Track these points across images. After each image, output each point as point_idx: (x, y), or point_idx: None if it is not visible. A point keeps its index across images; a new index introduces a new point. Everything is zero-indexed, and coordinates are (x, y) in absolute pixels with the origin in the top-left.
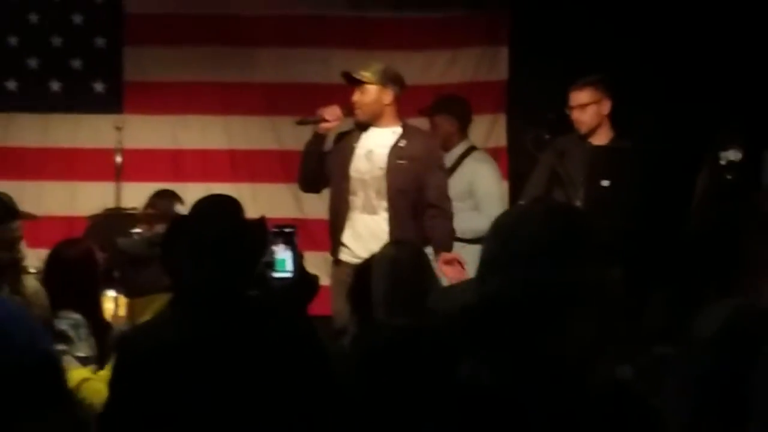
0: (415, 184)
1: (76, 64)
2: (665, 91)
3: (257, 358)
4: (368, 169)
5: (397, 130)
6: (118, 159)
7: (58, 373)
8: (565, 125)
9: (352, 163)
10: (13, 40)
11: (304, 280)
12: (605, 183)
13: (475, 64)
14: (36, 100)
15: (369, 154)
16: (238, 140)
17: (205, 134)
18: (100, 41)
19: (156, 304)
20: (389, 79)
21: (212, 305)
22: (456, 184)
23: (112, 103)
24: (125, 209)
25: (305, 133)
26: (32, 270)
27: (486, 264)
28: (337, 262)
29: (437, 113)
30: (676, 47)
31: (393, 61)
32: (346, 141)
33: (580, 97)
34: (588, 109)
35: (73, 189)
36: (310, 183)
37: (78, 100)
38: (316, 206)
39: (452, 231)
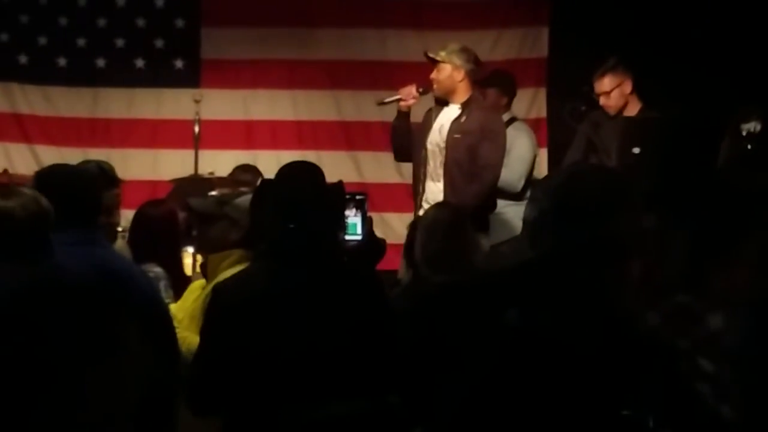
0: (468, 155)
1: (159, 43)
2: (693, 66)
3: (335, 306)
4: (437, 141)
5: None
6: (196, 129)
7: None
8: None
9: (429, 136)
10: (101, 22)
11: (372, 242)
12: (636, 150)
13: (519, 42)
14: (122, 76)
15: (441, 128)
16: (303, 112)
17: (274, 107)
18: (180, 22)
19: (229, 259)
20: (462, 58)
21: (297, 259)
22: None
23: (190, 78)
24: (203, 175)
25: (365, 106)
26: (119, 229)
27: (537, 222)
28: None
29: (487, 86)
30: (703, 26)
31: (444, 40)
32: (428, 116)
33: (603, 84)
34: (612, 94)
35: (156, 156)
36: (401, 154)
37: (160, 76)
38: (374, 172)
39: (476, 193)
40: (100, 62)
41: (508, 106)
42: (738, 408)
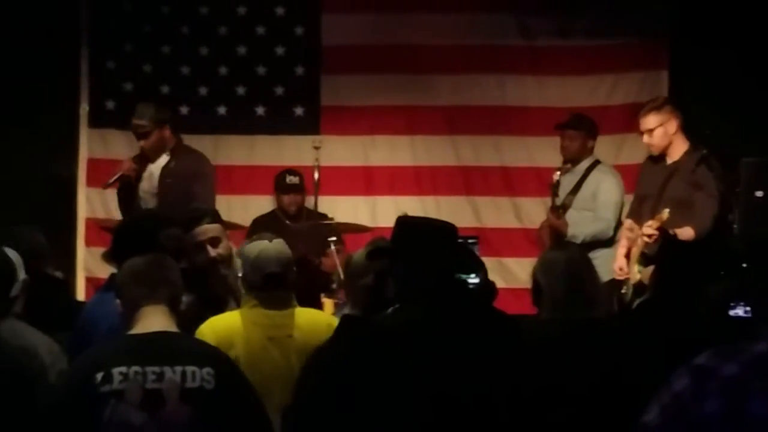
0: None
1: (279, 90)
2: None
3: (475, 344)
4: None
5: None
6: (316, 175)
7: None
8: (724, 139)
9: None
10: (223, 70)
11: (487, 284)
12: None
13: (638, 86)
14: (243, 123)
15: None
16: (422, 158)
17: (393, 152)
18: (299, 70)
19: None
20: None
21: (438, 302)
22: (583, 194)
23: (310, 125)
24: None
25: (483, 151)
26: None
27: None
28: None
29: (569, 129)
30: None
31: (561, 85)
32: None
33: (647, 122)
34: (655, 133)
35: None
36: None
37: (280, 123)
38: (492, 217)
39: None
40: (221, 110)
41: (591, 150)
42: None
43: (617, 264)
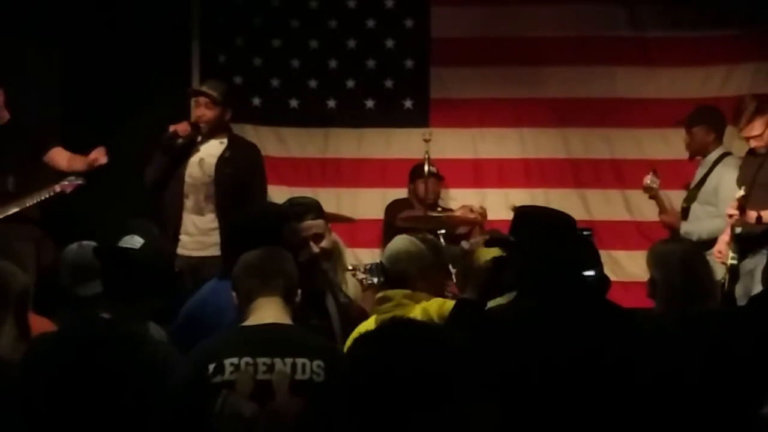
0: None
1: (388, 83)
2: None
3: (590, 338)
4: None
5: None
6: (426, 168)
7: None
8: None
9: None
10: (332, 64)
11: (603, 277)
12: None
13: (751, 77)
14: (352, 116)
15: None
16: (531, 150)
17: (502, 145)
18: (409, 63)
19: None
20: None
21: (557, 294)
22: (707, 187)
23: (419, 117)
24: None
25: (593, 143)
26: (349, 267)
27: None
28: None
29: (694, 125)
30: None
31: (673, 76)
32: None
33: (753, 128)
34: (765, 135)
35: (385, 195)
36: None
37: (390, 116)
38: (602, 210)
39: None
40: (331, 103)
41: (718, 141)
42: None
43: (716, 247)
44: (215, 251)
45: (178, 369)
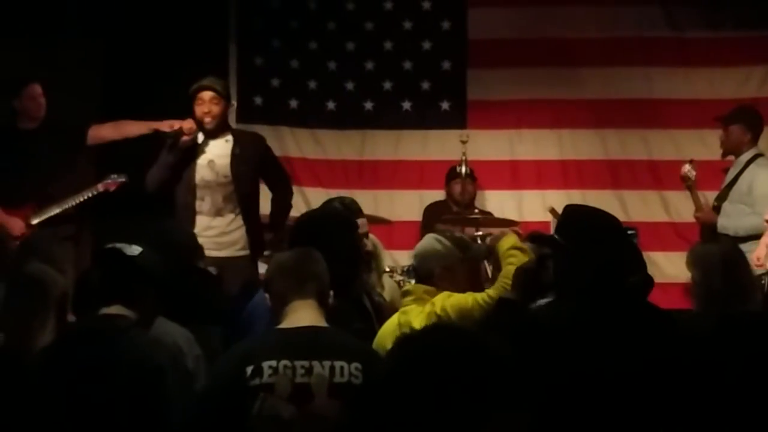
0: None
1: (425, 85)
2: None
3: (632, 341)
4: None
5: None
6: (464, 169)
7: None
8: None
9: None
10: (369, 65)
11: (646, 279)
12: None
13: None
14: (389, 118)
15: None
16: (568, 151)
17: (539, 146)
18: (446, 64)
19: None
20: None
21: (602, 296)
22: (739, 187)
23: (457, 119)
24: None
25: (630, 144)
26: (386, 269)
27: None
28: None
29: (731, 123)
30: None
31: (710, 77)
32: None
33: None
34: None
35: (422, 197)
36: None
37: (427, 118)
38: (640, 211)
39: None
40: (368, 105)
41: (753, 142)
42: None
43: (756, 254)
44: (232, 252)
45: (213, 369)
